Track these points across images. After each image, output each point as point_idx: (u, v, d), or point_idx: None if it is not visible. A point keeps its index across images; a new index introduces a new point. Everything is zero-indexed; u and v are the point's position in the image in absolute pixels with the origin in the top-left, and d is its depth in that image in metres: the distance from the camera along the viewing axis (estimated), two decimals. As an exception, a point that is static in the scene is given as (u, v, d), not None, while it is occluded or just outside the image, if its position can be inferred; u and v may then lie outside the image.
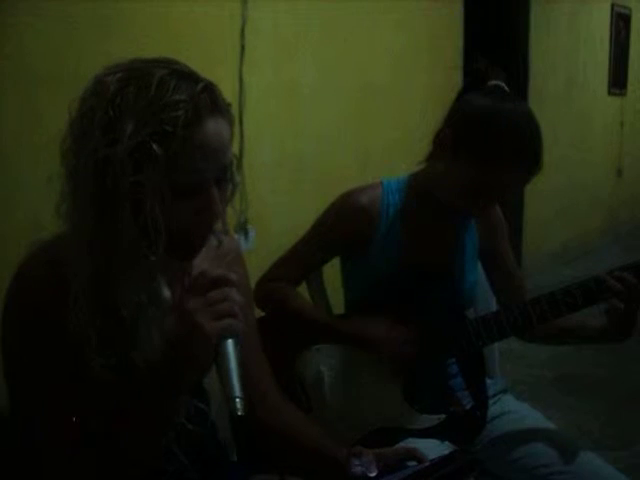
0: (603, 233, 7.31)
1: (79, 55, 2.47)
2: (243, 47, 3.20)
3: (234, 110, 3.21)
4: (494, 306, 1.96)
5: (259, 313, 1.78)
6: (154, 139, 0.99)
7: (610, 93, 7.32)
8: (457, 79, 4.27)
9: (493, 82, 1.69)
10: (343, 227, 1.77)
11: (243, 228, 3.26)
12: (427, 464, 1.23)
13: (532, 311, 1.69)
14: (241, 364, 1.03)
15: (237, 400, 1.01)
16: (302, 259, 1.82)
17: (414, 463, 1.25)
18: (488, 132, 1.58)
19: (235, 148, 3.35)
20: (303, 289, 1.92)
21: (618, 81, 7.38)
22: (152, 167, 1.00)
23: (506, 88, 1.69)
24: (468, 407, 1.75)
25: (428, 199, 1.75)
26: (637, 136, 7.95)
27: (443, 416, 1.72)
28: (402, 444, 1.58)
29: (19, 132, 2.40)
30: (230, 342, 1.04)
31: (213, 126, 1.04)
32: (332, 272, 1.94)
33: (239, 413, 1.00)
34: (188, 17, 2.96)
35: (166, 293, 1.13)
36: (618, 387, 3.81)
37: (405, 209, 1.76)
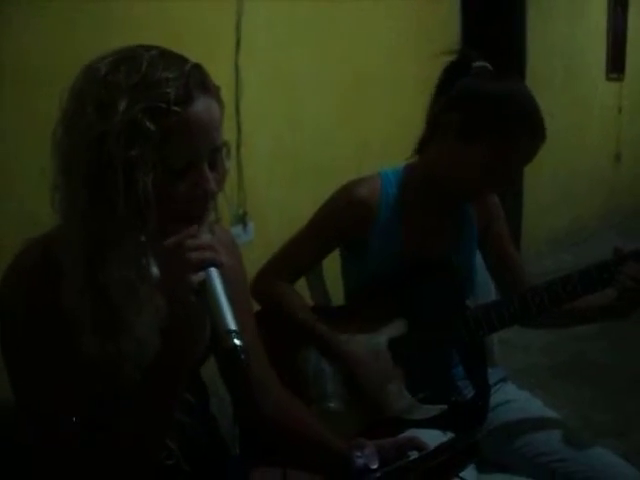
0: (602, 218, 7.30)
1: (77, 51, 2.47)
2: (239, 40, 3.19)
3: (230, 103, 3.20)
4: (494, 294, 1.96)
5: (257, 307, 1.78)
6: (147, 115, 1.01)
7: (608, 78, 7.29)
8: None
9: (479, 64, 1.70)
10: (342, 219, 1.76)
11: (242, 220, 3.26)
12: (428, 451, 1.23)
13: (531, 301, 1.68)
14: (230, 300, 1.01)
15: (232, 334, 0.97)
16: (301, 252, 1.81)
17: (415, 452, 1.25)
18: (507, 112, 1.61)
19: (232, 140, 3.34)
20: (302, 280, 1.92)
21: (616, 66, 7.34)
22: (145, 143, 1.01)
23: (491, 67, 1.71)
24: (469, 396, 1.75)
25: (426, 188, 1.75)
26: (635, 121, 7.93)
27: (445, 406, 1.72)
28: (404, 435, 1.58)
29: (17, 127, 2.40)
30: (213, 270, 1.02)
31: (204, 104, 1.06)
32: (331, 263, 1.93)
33: (237, 343, 0.96)
34: (184, 12, 2.96)
35: (155, 271, 1.13)
36: (616, 373, 3.82)
37: (404, 200, 1.76)
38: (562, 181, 6.50)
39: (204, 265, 1.02)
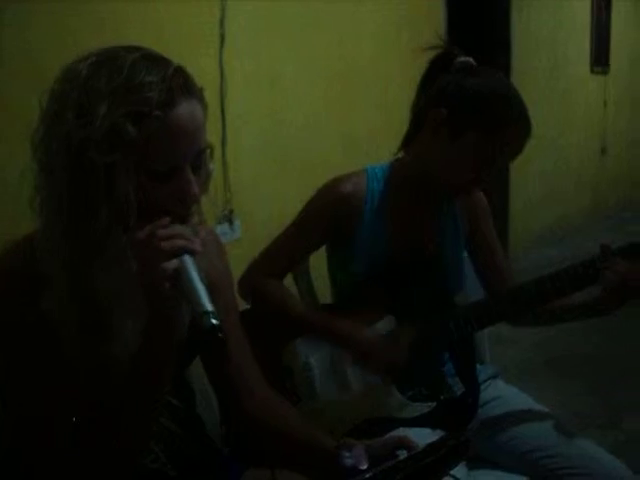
0: (589, 212, 7.33)
1: (61, 52, 2.45)
2: (223, 37, 3.17)
3: (215, 100, 3.18)
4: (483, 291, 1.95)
5: (244, 305, 1.77)
6: (128, 120, 0.99)
7: (593, 71, 7.31)
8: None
9: (461, 59, 1.71)
10: (328, 215, 1.75)
11: (228, 218, 3.24)
12: (417, 450, 1.21)
13: (520, 298, 1.68)
14: (207, 286, 1.01)
15: (209, 315, 0.98)
16: (289, 249, 1.80)
17: (405, 452, 1.24)
18: (492, 106, 1.62)
19: (217, 138, 3.31)
20: (290, 281, 1.90)
21: (600, 59, 7.36)
22: (126, 148, 0.99)
23: (474, 62, 1.72)
24: (459, 393, 1.74)
25: (413, 184, 1.75)
26: (620, 114, 7.97)
27: (434, 404, 1.71)
28: (393, 433, 1.57)
29: (12, 127, 2.38)
30: (187, 257, 1.02)
31: (187, 107, 1.04)
32: (318, 260, 1.92)
33: (214, 322, 0.97)
34: (168, 9, 2.94)
35: None
36: (607, 367, 3.84)
37: (390, 196, 1.76)
38: (548, 176, 6.52)
39: (177, 253, 1.01)
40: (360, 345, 1.69)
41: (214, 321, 0.98)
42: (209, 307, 0.99)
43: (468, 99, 1.63)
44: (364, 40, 4.13)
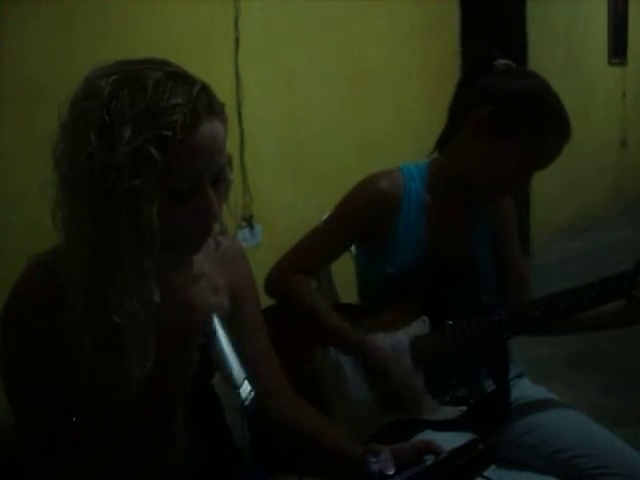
0: (609, 204, 7.27)
1: (75, 58, 2.45)
2: (237, 40, 3.17)
3: (232, 105, 3.19)
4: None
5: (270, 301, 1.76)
6: (152, 143, 0.98)
7: (610, 63, 7.26)
8: (454, 61, 4.24)
9: (502, 61, 1.70)
10: (364, 212, 1.73)
11: (249, 223, 3.25)
12: (445, 455, 1.21)
13: (556, 306, 1.67)
14: (236, 350, 1.03)
15: (238, 394, 1.00)
16: (322, 247, 1.78)
17: (432, 457, 1.23)
18: (540, 110, 1.61)
19: (235, 143, 3.33)
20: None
21: (618, 51, 7.32)
22: (150, 171, 0.99)
23: (514, 65, 1.71)
24: (489, 391, 1.72)
25: (451, 185, 1.74)
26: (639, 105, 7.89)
27: (464, 408, 1.69)
28: (420, 437, 1.56)
29: (15, 137, 2.38)
30: (216, 319, 1.04)
31: (210, 128, 1.03)
32: (339, 262, 1.91)
33: (245, 403, 0.99)
34: (181, 12, 2.94)
35: (157, 299, 1.11)
36: (632, 363, 3.78)
37: (427, 196, 1.74)
38: (568, 169, 6.45)
39: (208, 312, 1.03)
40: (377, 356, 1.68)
41: (246, 402, 1.00)
42: (238, 379, 1.01)
43: (513, 101, 1.62)
44: (379, 42, 4.11)
